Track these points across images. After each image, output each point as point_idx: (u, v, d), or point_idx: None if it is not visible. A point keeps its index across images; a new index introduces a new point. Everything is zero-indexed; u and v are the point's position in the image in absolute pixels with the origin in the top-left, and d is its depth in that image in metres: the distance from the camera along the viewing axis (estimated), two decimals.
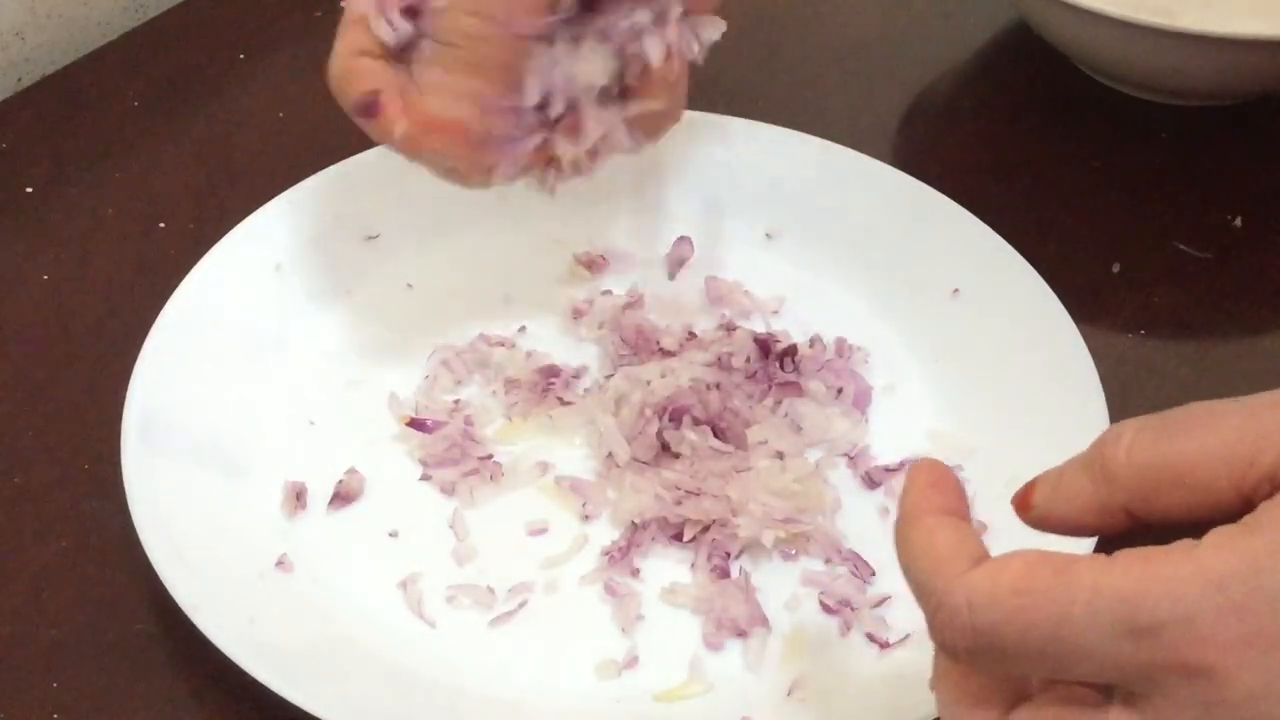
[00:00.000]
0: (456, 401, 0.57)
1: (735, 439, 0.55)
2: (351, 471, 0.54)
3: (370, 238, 0.62)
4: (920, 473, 0.39)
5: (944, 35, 0.78)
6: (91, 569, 0.52)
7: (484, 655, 0.50)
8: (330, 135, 0.63)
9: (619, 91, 0.50)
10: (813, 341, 0.59)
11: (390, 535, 0.53)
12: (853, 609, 0.50)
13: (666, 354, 0.58)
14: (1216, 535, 0.33)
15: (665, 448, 0.55)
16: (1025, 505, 0.38)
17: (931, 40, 0.77)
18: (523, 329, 0.60)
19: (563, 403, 0.57)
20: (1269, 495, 0.33)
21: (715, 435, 0.55)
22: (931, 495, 0.38)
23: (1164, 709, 0.33)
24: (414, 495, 0.54)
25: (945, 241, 0.61)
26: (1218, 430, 0.34)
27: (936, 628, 0.36)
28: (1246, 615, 0.32)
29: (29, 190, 0.67)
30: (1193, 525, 0.34)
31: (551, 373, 0.58)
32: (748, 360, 0.57)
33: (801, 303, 0.61)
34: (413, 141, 0.49)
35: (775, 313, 0.61)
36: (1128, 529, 0.36)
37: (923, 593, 0.36)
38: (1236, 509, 0.34)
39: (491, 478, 0.55)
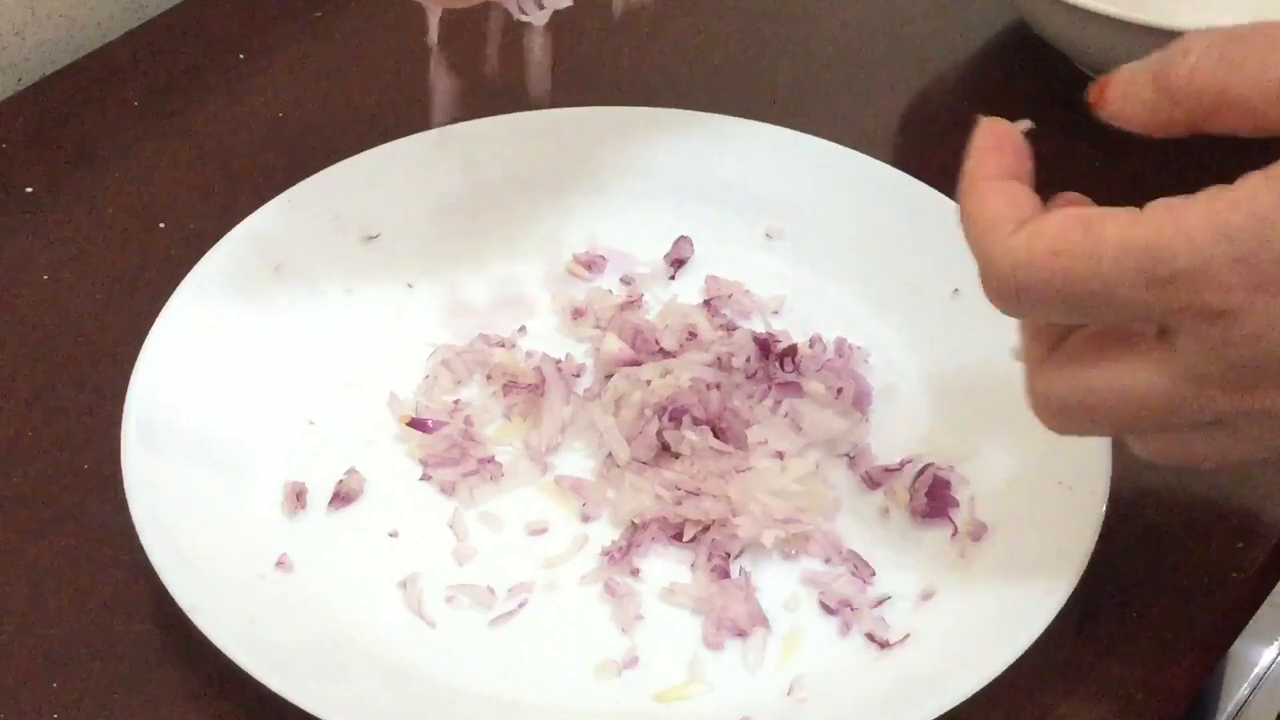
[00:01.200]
0: (456, 401, 0.57)
1: (735, 439, 0.55)
2: (351, 471, 0.54)
3: (370, 238, 0.62)
4: (983, 136, 0.42)
5: (944, 35, 0.78)
6: (91, 569, 0.52)
7: (484, 655, 0.50)
8: (330, 135, 0.63)
9: None
10: (813, 341, 0.59)
11: (390, 535, 0.53)
12: (853, 609, 0.50)
13: (666, 354, 0.58)
14: (1240, 186, 0.36)
15: (665, 448, 0.55)
16: (1100, 101, 0.40)
17: (931, 40, 0.77)
18: (523, 329, 0.60)
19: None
20: None
21: (715, 435, 0.55)
22: (992, 159, 0.41)
23: (1186, 346, 0.37)
24: (414, 495, 0.54)
25: (945, 241, 0.60)
26: (1277, 62, 0.36)
27: (986, 288, 0.40)
28: (1254, 264, 0.35)
29: (29, 190, 0.67)
30: (1253, 138, 0.37)
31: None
32: (748, 360, 0.57)
33: (801, 303, 0.61)
34: None
35: (775, 313, 0.61)
36: (1190, 135, 0.39)
37: (975, 255, 0.40)
38: None
39: (491, 478, 0.55)
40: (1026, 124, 0.42)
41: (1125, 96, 0.40)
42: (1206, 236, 0.35)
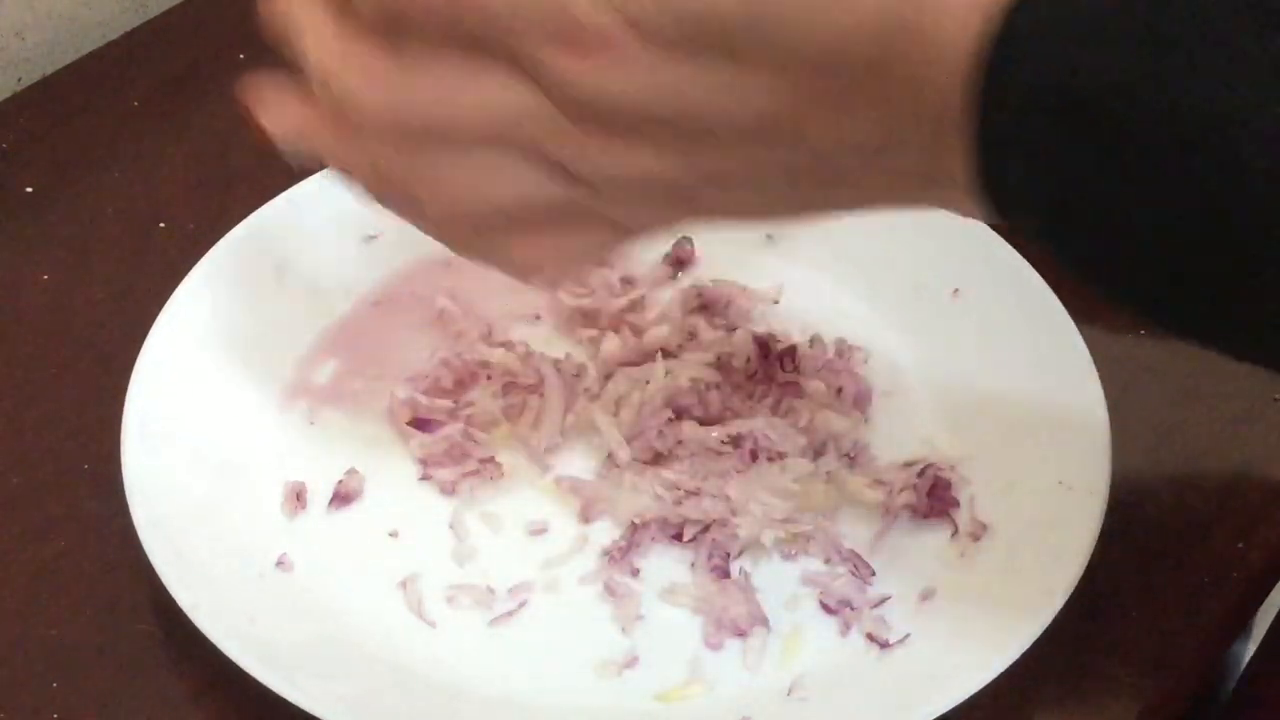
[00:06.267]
0: (456, 401, 0.57)
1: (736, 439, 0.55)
2: (351, 471, 0.54)
3: (370, 238, 0.62)
4: None
5: None
6: (91, 569, 0.52)
7: (484, 655, 0.50)
8: None
9: None
10: (813, 341, 0.59)
11: (390, 535, 0.53)
12: (853, 609, 0.50)
13: (667, 354, 0.58)
14: None
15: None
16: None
17: None
18: (538, 316, 0.60)
19: None
20: None
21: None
22: None
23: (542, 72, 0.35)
24: (414, 495, 0.54)
25: (945, 241, 0.61)
26: None
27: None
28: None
29: (29, 190, 0.67)
30: None
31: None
32: (748, 360, 0.57)
33: (801, 302, 0.61)
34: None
35: (775, 302, 0.61)
36: None
37: None
38: None
39: (491, 478, 0.55)
40: None
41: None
42: None
